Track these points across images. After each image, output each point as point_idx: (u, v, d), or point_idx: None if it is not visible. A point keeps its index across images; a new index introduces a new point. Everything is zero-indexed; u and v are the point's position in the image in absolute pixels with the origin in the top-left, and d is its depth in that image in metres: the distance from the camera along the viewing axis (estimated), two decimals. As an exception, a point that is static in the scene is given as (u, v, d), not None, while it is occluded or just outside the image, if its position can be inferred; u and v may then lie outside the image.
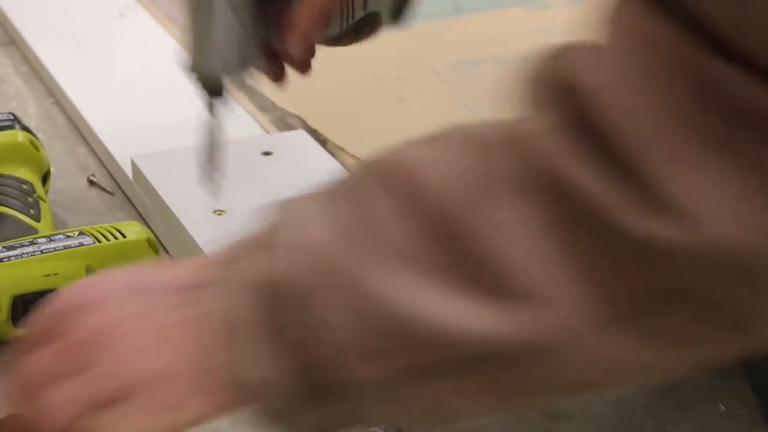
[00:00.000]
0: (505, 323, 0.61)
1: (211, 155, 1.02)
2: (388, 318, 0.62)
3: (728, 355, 0.64)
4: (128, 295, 0.68)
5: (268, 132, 1.33)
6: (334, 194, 0.68)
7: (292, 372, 0.64)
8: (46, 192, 1.18)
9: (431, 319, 0.62)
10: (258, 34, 0.99)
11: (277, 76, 1.04)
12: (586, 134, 0.60)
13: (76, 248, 1.04)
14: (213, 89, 1.00)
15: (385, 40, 1.60)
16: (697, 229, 0.59)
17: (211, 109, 1.01)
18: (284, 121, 1.40)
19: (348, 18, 1.04)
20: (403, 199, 0.64)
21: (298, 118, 1.40)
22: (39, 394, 0.66)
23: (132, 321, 0.67)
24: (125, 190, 1.26)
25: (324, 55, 1.37)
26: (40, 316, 0.70)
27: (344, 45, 1.06)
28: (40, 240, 1.04)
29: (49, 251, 1.03)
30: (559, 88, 0.62)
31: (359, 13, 1.05)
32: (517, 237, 0.61)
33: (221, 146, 1.01)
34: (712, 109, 0.59)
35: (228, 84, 1.00)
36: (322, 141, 1.33)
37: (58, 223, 1.19)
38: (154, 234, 1.13)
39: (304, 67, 1.02)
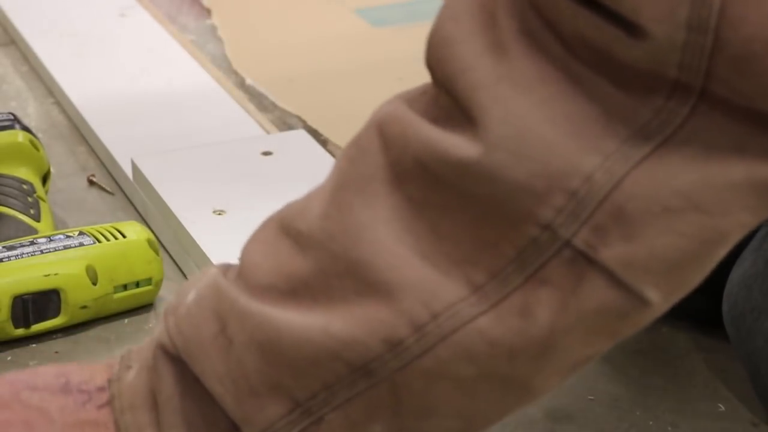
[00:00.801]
0: (374, 318, 0.61)
1: None
2: (260, 353, 0.63)
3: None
4: (28, 397, 0.69)
5: (268, 132, 1.33)
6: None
7: None
8: (46, 192, 1.18)
9: (313, 334, 0.62)
10: None
11: None
12: (431, 91, 0.61)
13: (76, 248, 1.04)
14: None
15: (385, 39, 1.60)
16: (487, 139, 0.57)
17: None
18: (284, 121, 1.40)
19: None
20: (280, 223, 0.68)
21: (299, 118, 1.40)
22: None
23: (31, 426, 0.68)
24: (125, 190, 1.26)
25: (324, 55, 1.38)
26: None
27: None
28: (40, 240, 1.04)
29: (49, 251, 1.03)
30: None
31: None
32: (374, 233, 0.61)
33: None
34: (535, 27, 0.58)
35: None
36: (323, 141, 1.33)
37: (58, 223, 1.19)
38: (154, 234, 1.13)
39: None
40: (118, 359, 0.71)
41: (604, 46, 0.56)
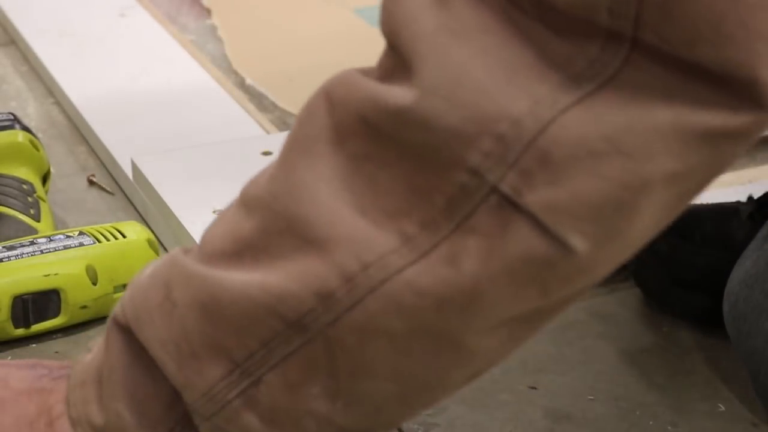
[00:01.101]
0: (307, 270, 0.62)
1: None
2: (201, 312, 0.65)
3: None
4: None
5: (268, 132, 1.33)
6: None
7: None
8: (46, 192, 1.18)
9: (248, 288, 0.63)
10: None
11: None
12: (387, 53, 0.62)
13: (76, 248, 1.04)
14: None
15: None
16: (420, 84, 0.58)
17: None
18: (284, 121, 1.40)
19: None
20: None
21: (298, 118, 1.40)
22: None
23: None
24: (125, 190, 1.26)
25: (324, 55, 1.38)
26: None
27: None
28: (40, 240, 1.04)
29: (49, 251, 1.03)
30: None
31: None
32: (317, 190, 0.62)
33: None
34: None
35: None
36: (322, 141, 1.33)
37: (58, 223, 1.19)
38: (154, 234, 1.13)
39: None
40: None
41: None
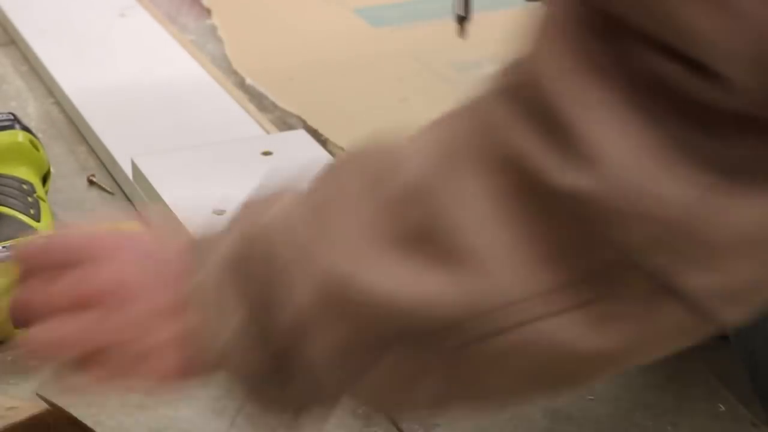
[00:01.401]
0: (448, 290, 0.62)
1: (462, 3, 1.04)
2: (340, 287, 0.65)
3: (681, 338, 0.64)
4: (132, 255, 0.72)
5: (268, 132, 1.33)
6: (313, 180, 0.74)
7: (252, 336, 0.68)
8: (46, 192, 1.18)
9: (381, 290, 0.63)
10: None
11: None
12: (529, 103, 0.62)
13: (76, 248, 1.04)
14: None
15: (386, 39, 1.60)
16: (601, 174, 0.59)
17: None
18: (284, 121, 1.40)
19: None
20: (371, 174, 0.68)
21: (299, 118, 1.40)
22: (50, 323, 0.70)
23: (140, 282, 0.71)
24: (125, 190, 1.26)
25: (324, 55, 1.38)
26: (48, 246, 0.74)
27: None
28: (40, 240, 1.04)
29: (49, 251, 1.03)
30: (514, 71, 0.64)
31: None
32: (469, 206, 0.62)
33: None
34: (631, 79, 0.60)
35: None
36: (323, 141, 1.33)
37: (58, 223, 1.19)
38: (154, 234, 1.13)
39: None
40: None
41: (685, 88, 0.59)
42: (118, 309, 0.70)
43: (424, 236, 0.63)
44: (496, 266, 0.62)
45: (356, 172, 0.71)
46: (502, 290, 0.62)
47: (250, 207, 0.76)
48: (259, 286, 0.67)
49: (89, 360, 0.70)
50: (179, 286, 0.70)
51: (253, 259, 0.69)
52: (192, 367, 0.72)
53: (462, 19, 1.06)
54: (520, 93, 0.63)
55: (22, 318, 0.72)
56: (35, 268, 0.72)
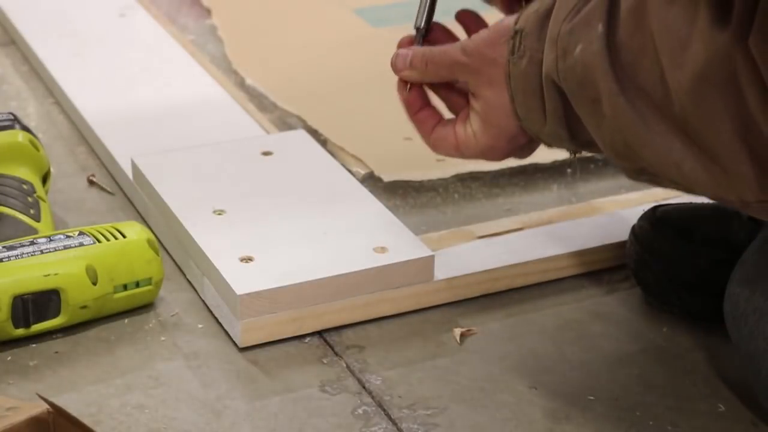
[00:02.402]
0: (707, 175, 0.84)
1: (425, 15, 1.03)
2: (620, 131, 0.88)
3: None
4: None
5: (268, 132, 1.33)
6: (600, 8, 0.88)
7: (564, 142, 0.96)
8: (46, 192, 1.18)
9: (649, 147, 0.86)
10: None
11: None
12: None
13: (76, 248, 1.04)
14: None
15: (385, 39, 1.60)
16: None
17: None
18: (284, 121, 1.40)
19: None
20: (652, 50, 0.84)
21: (298, 118, 1.40)
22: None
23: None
24: (125, 190, 1.26)
25: (324, 55, 1.38)
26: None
27: None
28: (40, 240, 1.04)
29: (49, 251, 1.03)
30: None
31: None
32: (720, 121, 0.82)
33: (433, 10, 1.04)
34: None
35: None
36: (322, 141, 1.33)
37: (58, 223, 1.19)
38: (154, 234, 1.13)
39: None
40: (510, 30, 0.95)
41: None
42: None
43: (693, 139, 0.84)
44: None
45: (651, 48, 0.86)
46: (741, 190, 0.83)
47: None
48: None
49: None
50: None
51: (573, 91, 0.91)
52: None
53: (420, 32, 1.04)
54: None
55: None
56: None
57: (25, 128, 1.19)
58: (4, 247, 1.03)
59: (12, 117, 1.20)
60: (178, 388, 0.99)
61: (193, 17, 1.68)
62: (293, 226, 1.11)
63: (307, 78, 1.50)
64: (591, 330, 1.07)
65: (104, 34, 1.55)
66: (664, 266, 1.08)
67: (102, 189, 1.27)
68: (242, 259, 1.06)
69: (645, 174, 0.90)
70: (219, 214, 1.13)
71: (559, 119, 0.93)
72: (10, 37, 1.60)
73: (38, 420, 0.81)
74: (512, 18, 0.96)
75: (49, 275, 1.02)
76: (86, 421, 0.84)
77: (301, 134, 1.29)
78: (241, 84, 1.48)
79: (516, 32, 0.94)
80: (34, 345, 1.03)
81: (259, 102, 1.44)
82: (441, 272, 1.09)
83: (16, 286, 1.01)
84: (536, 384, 1.00)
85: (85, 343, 1.04)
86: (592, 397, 0.99)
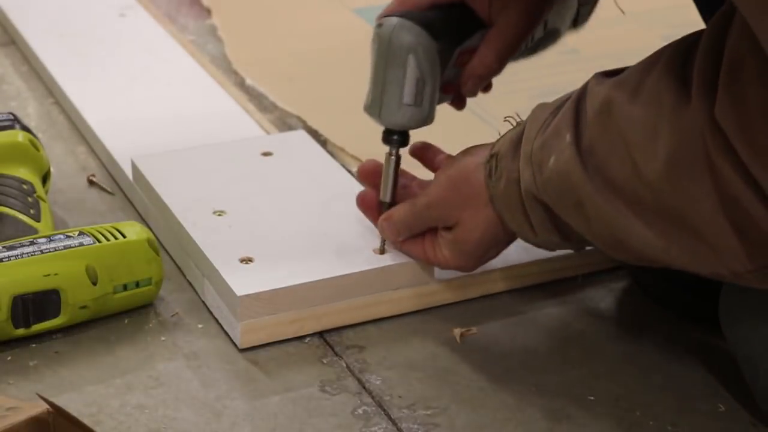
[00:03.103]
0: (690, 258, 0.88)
1: (390, 190, 1.06)
2: (606, 227, 0.91)
3: None
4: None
5: (268, 132, 1.33)
6: (567, 118, 0.92)
7: (560, 246, 1.00)
8: (46, 192, 1.18)
9: (634, 238, 0.89)
10: (441, 81, 1.02)
11: (457, 105, 1.11)
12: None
13: (76, 248, 1.04)
14: (401, 140, 1.04)
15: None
16: None
17: (393, 150, 1.05)
18: (284, 122, 1.40)
19: (528, 43, 1.07)
20: (623, 146, 0.87)
21: (298, 118, 1.40)
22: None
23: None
24: (125, 190, 1.26)
25: (324, 55, 1.37)
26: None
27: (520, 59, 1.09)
28: (40, 240, 1.04)
29: (49, 251, 1.03)
30: None
31: (539, 35, 1.07)
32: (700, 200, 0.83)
33: (396, 183, 1.07)
34: None
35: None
36: (323, 141, 1.33)
37: (58, 223, 1.19)
38: (154, 234, 1.13)
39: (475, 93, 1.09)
40: (486, 156, 0.99)
41: None
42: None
43: (672, 220, 0.86)
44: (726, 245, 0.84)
45: (607, 140, 0.89)
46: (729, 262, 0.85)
47: (533, 123, 0.96)
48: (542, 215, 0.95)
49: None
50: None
51: (534, 198, 0.94)
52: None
53: (386, 204, 1.07)
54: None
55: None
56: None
57: (25, 128, 1.19)
58: (4, 247, 1.03)
59: (12, 117, 1.20)
60: (178, 388, 0.99)
61: (193, 17, 1.68)
62: (293, 227, 1.11)
63: (307, 78, 1.50)
64: (591, 330, 1.07)
65: (104, 34, 1.55)
66: (662, 268, 1.08)
67: (102, 189, 1.27)
68: (242, 260, 1.06)
69: (639, 261, 0.94)
70: (219, 214, 1.13)
71: (548, 229, 0.96)
72: (10, 37, 1.60)
73: (38, 420, 0.81)
74: (477, 148, 1.01)
75: (49, 275, 1.02)
76: (86, 421, 0.84)
77: (301, 135, 1.29)
78: (241, 84, 1.48)
79: (492, 156, 0.98)
80: (34, 345, 1.03)
81: (259, 102, 1.44)
82: (441, 273, 1.09)
83: (16, 286, 1.01)
84: (536, 384, 1.00)
85: (85, 343, 1.04)
86: (592, 397, 0.99)
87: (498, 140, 0.99)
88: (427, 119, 1.03)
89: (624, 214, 0.88)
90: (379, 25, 1.01)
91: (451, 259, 1.04)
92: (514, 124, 1.00)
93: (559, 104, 0.95)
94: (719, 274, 0.87)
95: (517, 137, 0.97)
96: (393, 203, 1.06)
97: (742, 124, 0.80)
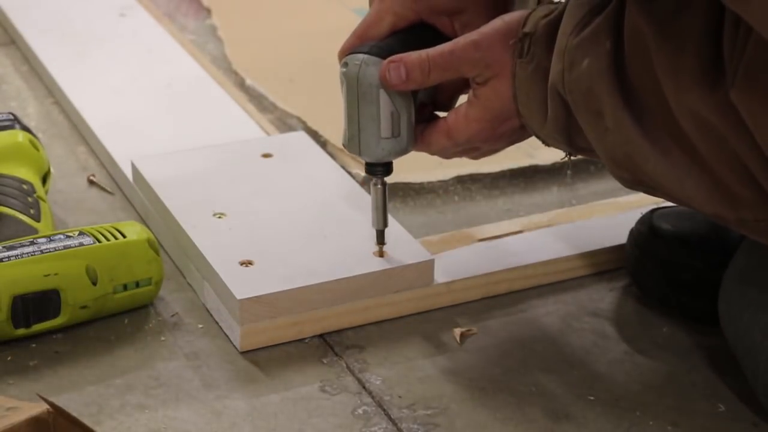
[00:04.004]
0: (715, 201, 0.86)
1: (382, 218, 1.06)
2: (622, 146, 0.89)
3: None
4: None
5: (268, 133, 1.33)
6: (608, 25, 0.89)
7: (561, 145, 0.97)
8: (46, 192, 1.18)
9: (651, 164, 0.88)
10: (415, 106, 1.02)
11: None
12: None
13: (76, 248, 1.04)
14: (384, 170, 1.04)
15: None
16: None
17: (379, 181, 1.04)
18: (284, 122, 1.40)
19: None
20: (657, 86, 0.85)
21: (298, 119, 1.40)
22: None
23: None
24: (125, 191, 1.26)
25: (324, 55, 1.37)
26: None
27: None
28: (40, 240, 1.04)
29: (49, 251, 1.03)
30: None
31: None
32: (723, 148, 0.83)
33: (386, 210, 1.06)
34: None
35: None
36: (322, 142, 1.33)
37: (58, 223, 1.19)
38: (154, 234, 1.13)
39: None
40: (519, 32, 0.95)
41: None
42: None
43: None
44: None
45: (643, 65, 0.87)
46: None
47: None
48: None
49: None
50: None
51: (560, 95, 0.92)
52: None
53: (381, 232, 1.07)
54: None
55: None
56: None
57: (25, 128, 1.19)
58: (4, 247, 1.03)
59: (12, 117, 1.20)
60: (178, 388, 0.99)
61: (193, 17, 1.68)
62: (293, 230, 1.11)
63: (307, 78, 1.51)
64: (591, 330, 1.07)
65: (104, 34, 1.55)
66: (662, 269, 1.08)
67: (102, 189, 1.27)
68: (242, 263, 1.06)
69: (642, 185, 0.91)
70: (219, 217, 1.13)
71: (559, 127, 0.93)
72: (10, 37, 1.60)
73: (38, 420, 0.81)
74: (517, 15, 0.96)
75: (49, 275, 1.02)
76: (86, 421, 0.84)
77: (301, 136, 1.29)
78: (241, 84, 1.48)
79: (525, 35, 0.95)
80: (34, 345, 1.03)
81: (259, 102, 1.44)
82: (441, 276, 1.09)
83: (16, 286, 1.01)
84: (536, 384, 1.00)
85: (85, 343, 1.04)
86: (592, 397, 0.99)
87: (530, 16, 0.95)
88: (407, 148, 1.02)
89: (648, 135, 0.87)
90: (345, 65, 0.99)
91: (474, 119, 0.98)
92: None
93: (598, 3, 0.91)
94: (724, 217, 0.86)
95: (554, 21, 0.93)
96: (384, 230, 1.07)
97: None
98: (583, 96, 0.90)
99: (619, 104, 0.87)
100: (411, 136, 1.01)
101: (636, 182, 0.91)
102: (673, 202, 0.91)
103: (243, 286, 1.03)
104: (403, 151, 1.02)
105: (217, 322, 1.06)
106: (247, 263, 1.06)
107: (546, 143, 0.98)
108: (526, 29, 0.95)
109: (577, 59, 0.90)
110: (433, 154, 1.03)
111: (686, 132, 0.84)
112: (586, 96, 0.89)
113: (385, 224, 1.06)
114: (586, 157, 0.99)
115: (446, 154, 1.03)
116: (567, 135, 0.94)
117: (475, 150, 1.02)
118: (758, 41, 0.78)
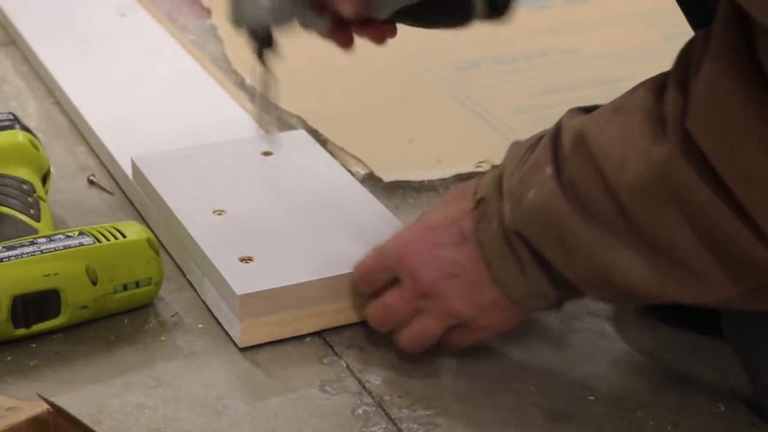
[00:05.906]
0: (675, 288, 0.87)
1: (265, 104, 1.04)
2: (588, 262, 0.90)
3: None
4: (430, 252, 0.98)
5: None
6: (545, 153, 0.91)
7: (548, 295, 0.95)
8: (46, 192, 1.18)
9: (618, 271, 0.88)
10: None
11: (342, 42, 1.07)
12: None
13: (76, 248, 1.04)
14: (263, 40, 1.01)
15: (385, 40, 1.59)
16: None
17: (261, 58, 1.02)
18: (284, 121, 1.40)
19: None
20: (599, 177, 0.86)
21: (299, 118, 1.40)
22: (407, 319, 1.00)
23: (446, 276, 0.97)
24: (125, 190, 1.26)
25: (324, 55, 1.37)
26: (376, 263, 1.02)
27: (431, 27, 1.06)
28: (40, 240, 1.04)
29: (49, 251, 1.03)
30: None
31: None
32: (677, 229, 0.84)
33: (275, 95, 1.03)
34: None
35: (277, 33, 1.00)
36: (322, 141, 1.33)
37: (58, 223, 1.19)
38: (154, 234, 1.13)
39: (368, 32, 1.05)
40: (471, 201, 0.97)
41: None
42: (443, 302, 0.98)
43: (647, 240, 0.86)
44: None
45: (585, 164, 0.88)
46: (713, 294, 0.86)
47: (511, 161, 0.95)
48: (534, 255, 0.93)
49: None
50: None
51: (519, 238, 0.93)
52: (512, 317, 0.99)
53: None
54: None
55: (383, 321, 1.01)
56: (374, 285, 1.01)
57: (25, 128, 1.19)
58: (4, 247, 1.03)
59: (12, 117, 1.20)
60: (178, 388, 0.99)
61: (193, 17, 1.68)
62: (293, 227, 1.11)
63: (308, 78, 1.50)
64: (591, 330, 1.07)
65: (104, 34, 1.55)
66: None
67: (102, 189, 1.27)
68: (242, 260, 1.06)
69: (622, 297, 0.93)
70: (219, 214, 1.13)
71: (536, 272, 0.93)
72: (10, 37, 1.60)
73: (38, 420, 0.81)
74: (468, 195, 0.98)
75: (49, 275, 1.02)
76: (86, 421, 0.84)
77: (301, 134, 1.29)
78: (241, 84, 1.48)
79: (478, 201, 0.96)
80: (34, 345, 1.03)
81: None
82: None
83: (16, 286, 1.01)
84: (536, 384, 1.00)
85: (85, 343, 1.04)
86: (592, 397, 0.99)
87: (479, 183, 0.97)
88: (288, 16, 0.99)
89: (607, 244, 0.88)
90: None
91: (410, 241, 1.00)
92: (489, 167, 1.00)
93: (535, 140, 0.94)
94: (705, 302, 0.88)
95: (498, 176, 0.96)
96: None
97: (724, 147, 0.80)
98: (538, 226, 0.91)
99: (575, 222, 0.89)
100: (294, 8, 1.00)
101: (614, 296, 0.95)
102: (656, 302, 0.93)
103: (243, 281, 1.03)
104: (284, 19, 1.00)
105: (217, 321, 1.06)
106: (247, 260, 1.06)
107: (541, 303, 0.97)
108: (478, 196, 0.97)
109: (524, 193, 0.92)
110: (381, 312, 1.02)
111: (642, 225, 0.86)
112: (542, 225, 0.91)
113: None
114: (572, 297, 0.98)
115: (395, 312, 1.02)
116: (547, 274, 0.93)
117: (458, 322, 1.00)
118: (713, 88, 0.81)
